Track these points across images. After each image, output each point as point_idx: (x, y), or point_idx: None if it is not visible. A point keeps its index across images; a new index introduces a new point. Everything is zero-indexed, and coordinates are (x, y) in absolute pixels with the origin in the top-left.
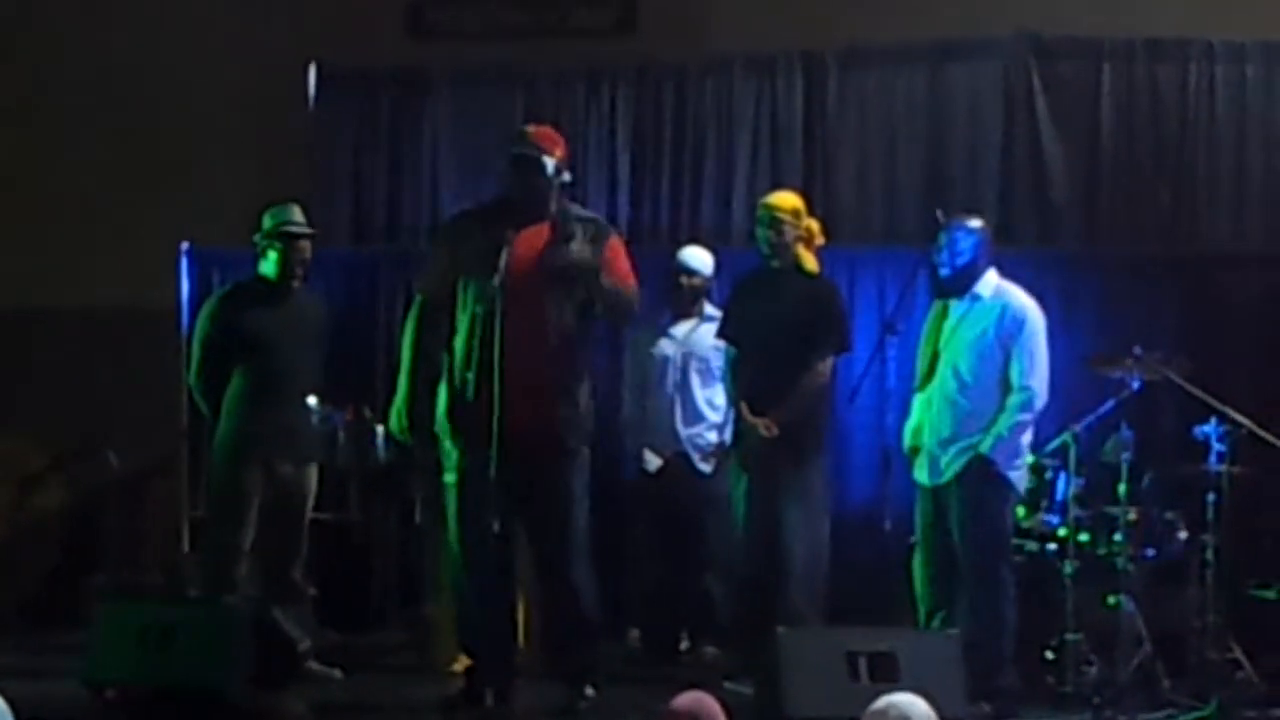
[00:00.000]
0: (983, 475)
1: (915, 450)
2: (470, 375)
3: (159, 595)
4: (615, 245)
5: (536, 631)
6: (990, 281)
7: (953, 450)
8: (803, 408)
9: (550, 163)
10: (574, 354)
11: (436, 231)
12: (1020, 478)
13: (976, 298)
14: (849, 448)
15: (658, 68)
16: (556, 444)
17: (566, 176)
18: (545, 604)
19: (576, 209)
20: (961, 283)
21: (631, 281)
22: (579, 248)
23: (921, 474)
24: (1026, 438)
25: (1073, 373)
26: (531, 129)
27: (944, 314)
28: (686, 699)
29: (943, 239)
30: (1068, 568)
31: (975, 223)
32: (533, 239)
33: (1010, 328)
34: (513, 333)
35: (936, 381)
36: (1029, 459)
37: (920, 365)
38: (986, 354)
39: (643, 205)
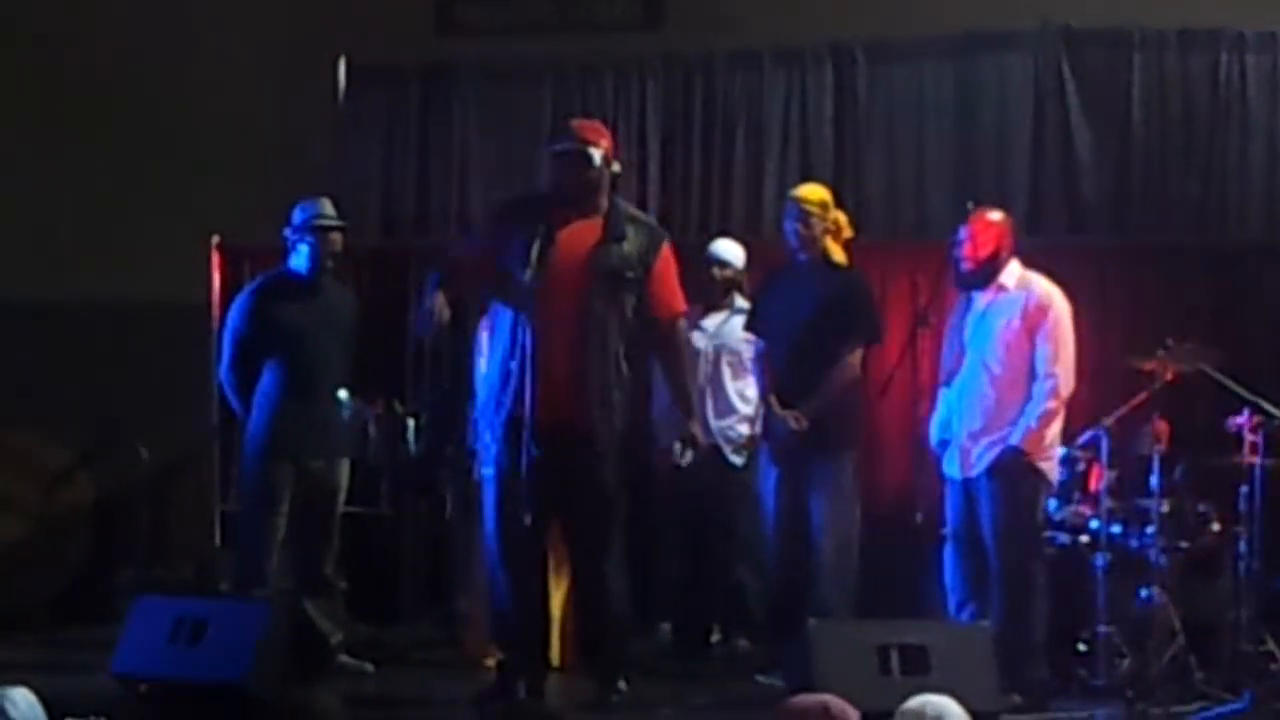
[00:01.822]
0: (1015, 467)
1: (944, 444)
2: (513, 367)
3: (190, 589)
4: (667, 256)
5: (570, 626)
6: (1014, 272)
7: (984, 442)
8: (832, 400)
9: (597, 154)
10: (614, 353)
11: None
12: (1052, 468)
13: (1002, 289)
14: (880, 440)
15: (686, 61)
16: (589, 443)
17: (615, 168)
18: (580, 599)
19: (630, 208)
20: (984, 275)
21: (680, 302)
22: (631, 247)
23: (952, 467)
24: (1056, 427)
25: (1104, 364)
26: (575, 122)
27: (967, 306)
28: (812, 700)
29: (963, 232)
30: (1100, 560)
31: (996, 215)
32: (582, 234)
33: (1035, 316)
34: (553, 328)
35: (965, 374)
36: (1061, 450)
37: (947, 359)
38: (1014, 344)
39: (672, 198)
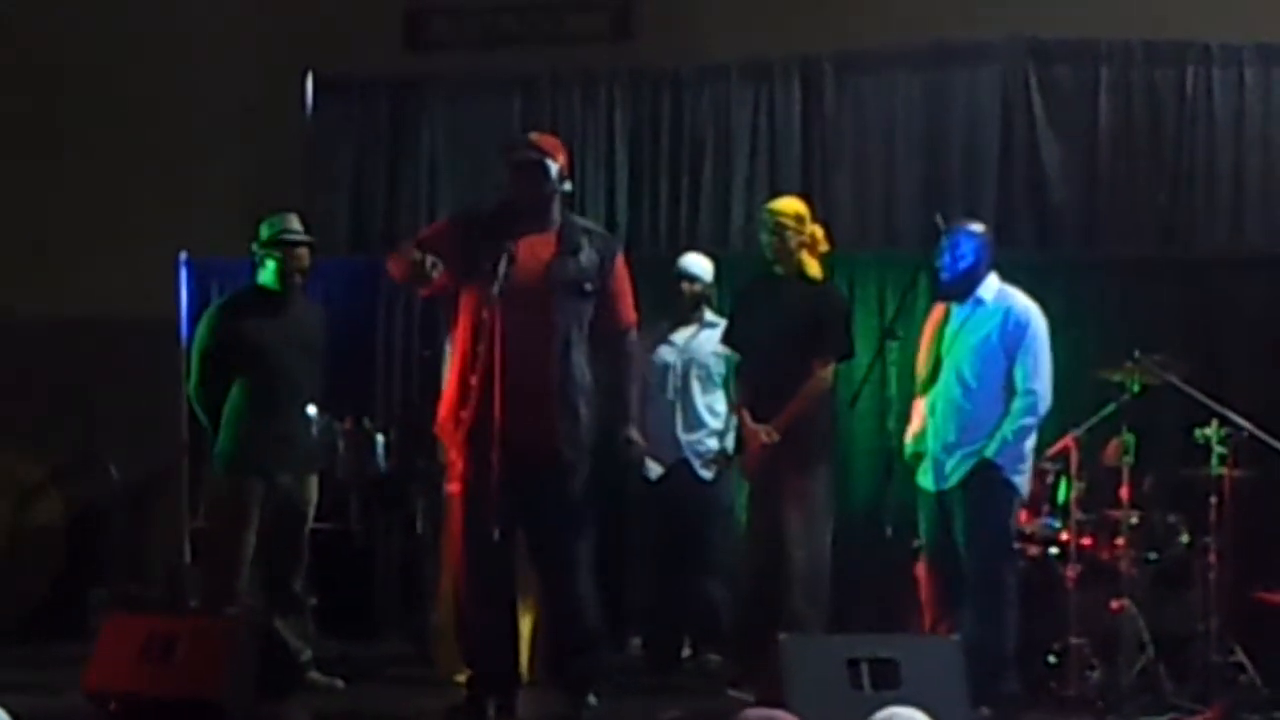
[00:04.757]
0: (988, 479)
1: (917, 456)
2: (473, 382)
3: (160, 607)
4: (620, 269)
5: (540, 641)
6: (992, 285)
7: (958, 455)
8: (804, 414)
9: (554, 168)
10: (576, 365)
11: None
12: (1024, 481)
13: (979, 302)
14: (850, 453)
15: (654, 74)
16: (555, 456)
17: (567, 186)
18: (547, 614)
19: (580, 220)
20: (963, 287)
21: (630, 314)
22: (586, 259)
23: (926, 479)
24: (1030, 442)
25: (1073, 376)
26: (534, 136)
27: (945, 318)
28: (765, 715)
29: (944, 243)
30: (1070, 572)
31: (977, 227)
32: (537, 248)
33: (1014, 332)
34: (515, 342)
35: (940, 386)
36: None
37: (920, 369)
38: (990, 358)
39: (641, 211)
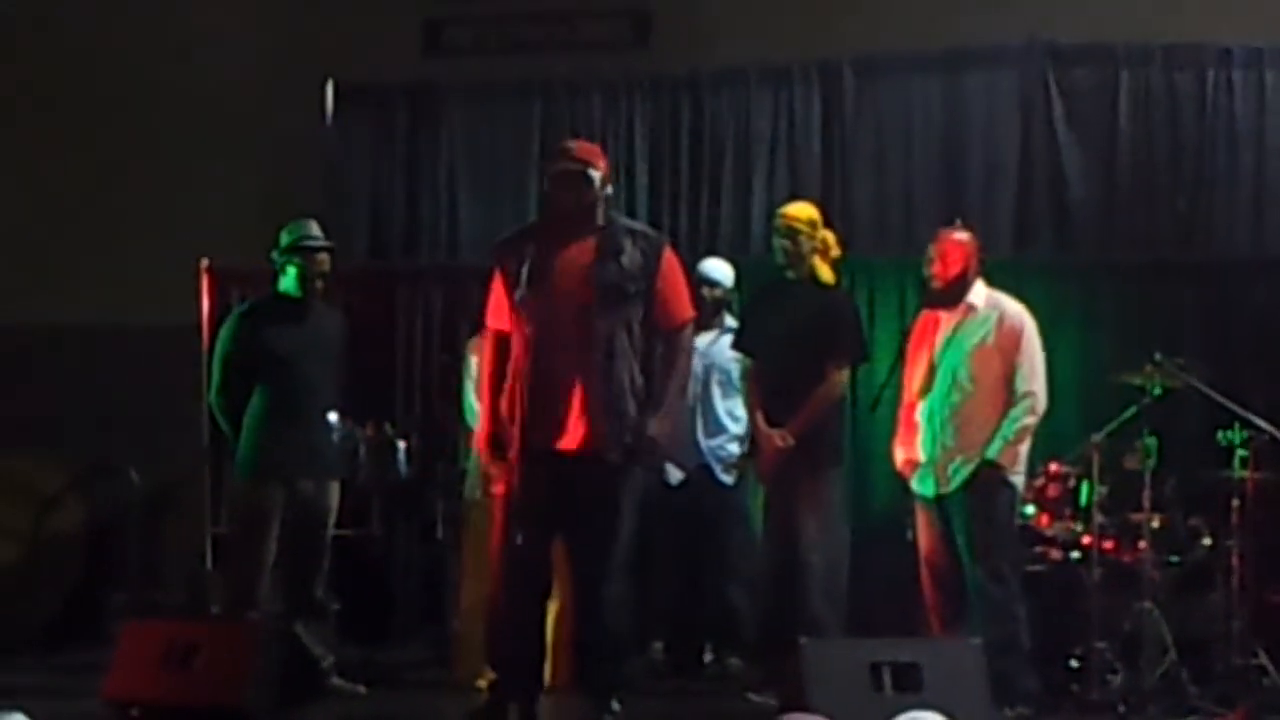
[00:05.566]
0: (991, 481)
1: (910, 463)
2: (520, 388)
3: (181, 613)
4: (670, 263)
5: (564, 644)
6: (981, 291)
7: (959, 459)
8: (817, 419)
9: (596, 175)
10: (621, 368)
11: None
12: (1022, 481)
13: (971, 308)
14: (870, 458)
15: (673, 80)
16: (597, 460)
17: (609, 189)
18: (576, 616)
19: (626, 220)
20: (954, 294)
21: (686, 309)
22: (629, 260)
23: (925, 486)
24: (1027, 443)
25: (1092, 379)
26: (573, 144)
27: (934, 325)
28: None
29: (932, 251)
30: (1092, 575)
31: (963, 234)
32: (579, 254)
33: (1009, 336)
34: (558, 348)
35: (936, 392)
36: (1050, 465)
37: (911, 378)
38: (986, 362)
39: (660, 216)
